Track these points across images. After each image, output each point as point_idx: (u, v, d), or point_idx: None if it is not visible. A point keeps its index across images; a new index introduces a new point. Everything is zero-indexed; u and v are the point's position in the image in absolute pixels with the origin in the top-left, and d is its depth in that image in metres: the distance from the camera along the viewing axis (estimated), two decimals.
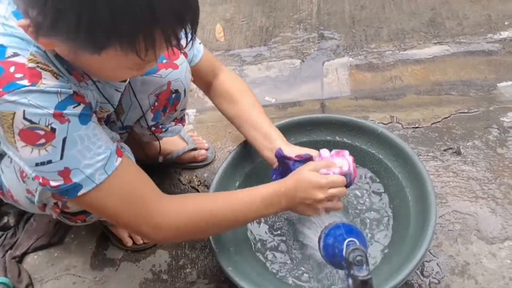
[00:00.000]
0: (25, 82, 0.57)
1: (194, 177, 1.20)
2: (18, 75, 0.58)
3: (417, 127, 1.18)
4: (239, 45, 1.67)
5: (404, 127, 1.19)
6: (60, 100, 0.59)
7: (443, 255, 0.91)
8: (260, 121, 0.93)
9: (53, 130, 0.59)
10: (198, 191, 1.17)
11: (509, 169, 1.02)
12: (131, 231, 0.99)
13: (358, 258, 0.69)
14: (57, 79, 0.60)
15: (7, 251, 1.08)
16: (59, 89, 0.59)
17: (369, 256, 0.81)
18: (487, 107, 1.19)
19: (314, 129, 1.06)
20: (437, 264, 0.90)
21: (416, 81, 1.36)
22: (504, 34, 1.42)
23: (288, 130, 1.01)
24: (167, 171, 1.22)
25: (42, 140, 0.59)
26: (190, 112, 1.46)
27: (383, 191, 0.98)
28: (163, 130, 1.02)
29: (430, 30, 1.51)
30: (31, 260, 1.08)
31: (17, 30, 0.59)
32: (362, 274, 0.69)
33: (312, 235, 0.84)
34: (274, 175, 0.89)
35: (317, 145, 1.05)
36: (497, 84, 1.27)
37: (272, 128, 0.93)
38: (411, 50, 1.46)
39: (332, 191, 0.78)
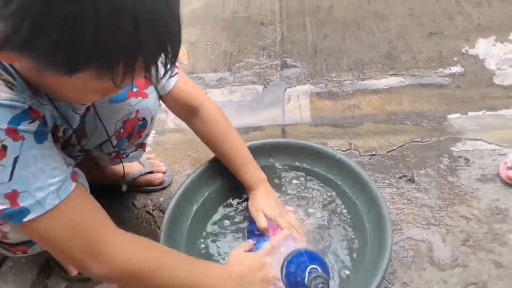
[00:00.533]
0: None
1: (149, 201, 1.16)
2: None
3: (374, 155, 1.21)
4: (203, 68, 1.67)
5: (362, 154, 1.22)
6: (13, 114, 0.54)
7: (398, 282, 0.92)
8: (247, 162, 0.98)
9: (4, 147, 0.53)
10: (152, 216, 1.13)
11: (459, 197, 1.06)
12: (75, 265, 0.84)
13: (320, 285, 0.69)
14: (11, 89, 0.54)
15: None
16: (13, 103, 0.53)
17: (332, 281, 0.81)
18: (438, 137, 1.24)
19: (274, 153, 1.07)
20: None
21: (373, 110, 1.41)
22: (454, 69, 1.51)
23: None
24: (120, 194, 1.17)
25: None
26: (150, 133, 1.43)
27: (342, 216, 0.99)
28: (124, 156, 0.99)
29: (387, 62, 1.58)
30: (6, 269, 0.99)
31: None
32: None
33: (275, 264, 0.83)
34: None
35: (276, 170, 1.06)
36: (447, 116, 1.34)
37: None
38: (369, 80, 1.52)
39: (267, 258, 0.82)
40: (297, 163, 1.06)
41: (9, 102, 0.53)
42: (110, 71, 0.50)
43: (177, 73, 0.91)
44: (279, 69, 1.62)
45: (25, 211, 0.57)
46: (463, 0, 1.80)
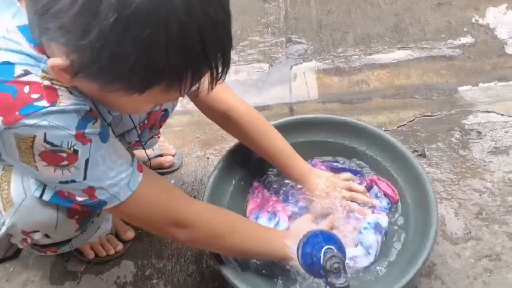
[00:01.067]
0: (43, 103, 0.53)
1: None
2: (34, 96, 0.53)
3: (384, 130, 1.19)
4: None
5: None
6: (79, 118, 0.56)
7: None
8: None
9: (75, 152, 0.57)
10: None
11: (471, 170, 1.05)
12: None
13: (336, 265, 0.69)
14: (72, 94, 0.56)
15: None
16: (77, 107, 0.56)
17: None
18: (449, 110, 1.22)
19: (311, 129, 1.05)
20: None
21: (381, 85, 1.39)
22: (463, 40, 1.48)
23: (285, 130, 0.99)
24: None
25: (65, 162, 0.57)
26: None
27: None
28: (143, 143, 1.01)
29: (394, 35, 1.55)
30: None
31: (22, 46, 0.54)
32: (339, 282, 0.68)
33: (293, 245, 0.83)
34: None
35: (314, 146, 1.05)
36: (458, 88, 1.31)
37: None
38: (377, 54, 1.49)
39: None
40: (337, 140, 1.04)
41: (74, 107, 0.55)
42: (179, 82, 0.52)
43: None
44: (284, 46, 1.59)
45: (102, 202, 0.63)
46: None
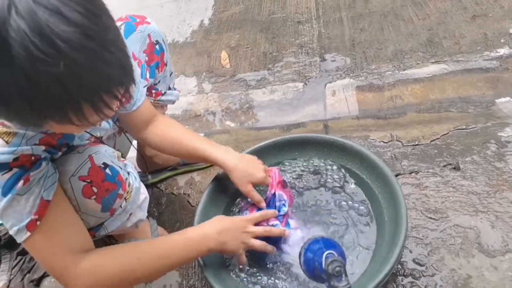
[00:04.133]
0: None
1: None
2: None
3: (416, 145, 1.21)
4: (244, 70, 1.74)
5: (404, 144, 1.22)
6: None
7: (446, 269, 0.92)
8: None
9: None
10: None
11: (508, 183, 1.04)
12: None
13: (337, 269, 0.72)
14: (7, 142, 0.66)
15: (25, 274, 1.13)
16: None
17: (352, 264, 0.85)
18: (484, 122, 1.22)
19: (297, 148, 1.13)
20: (440, 278, 0.91)
21: (416, 100, 1.40)
22: (501, 51, 1.46)
23: (274, 149, 1.12)
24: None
25: None
26: None
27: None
28: (163, 92, 1.14)
29: (428, 49, 1.56)
30: (48, 284, 1.13)
31: None
32: (341, 284, 0.71)
33: (294, 252, 0.88)
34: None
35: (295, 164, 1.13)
36: (495, 100, 1.30)
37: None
38: (410, 69, 1.51)
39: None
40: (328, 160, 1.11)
41: None
42: (65, 120, 0.56)
43: (145, 86, 1.02)
44: (318, 65, 1.65)
45: (16, 235, 0.71)
46: None
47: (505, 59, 1.43)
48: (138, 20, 1.03)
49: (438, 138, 1.21)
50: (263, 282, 0.92)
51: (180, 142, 1.01)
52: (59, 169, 0.76)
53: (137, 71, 0.96)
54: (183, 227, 1.19)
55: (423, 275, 0.93)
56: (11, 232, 0.71)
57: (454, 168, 1.11)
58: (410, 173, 1.13)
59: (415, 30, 1.65)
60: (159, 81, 1.12)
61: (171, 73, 1.17)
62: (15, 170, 0.67)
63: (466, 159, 1.12)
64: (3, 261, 1.14)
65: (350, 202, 1.02)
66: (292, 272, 0.92)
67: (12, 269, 1.13)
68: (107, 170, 0.82)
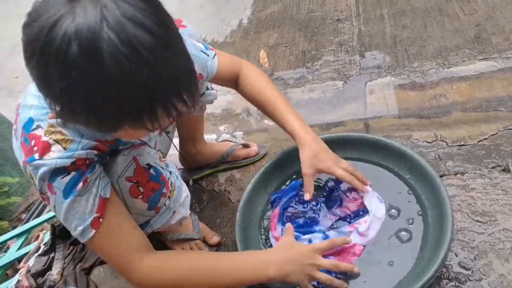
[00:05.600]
0: (36, 155, 0.70)
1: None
2: (34, 149, 0.71)
3: (462, 145, 1.17)
4: (283, 69, 1.75)
5: (449, 145, 1.19)
6: (52, 172, 0.70)
7: (494, 274, 0.89)
8: (287, 118, 0.99)
9: (48, 198, 0.74)
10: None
11: None
12: None
13: None
14: (65, 148, 0.71)
15: (77, 263, 1.20)
16: (57, 161, 0.70)
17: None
18: None
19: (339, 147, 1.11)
20: (488, 283, 0.88)
21: (461, 98, 1.35)
22: None
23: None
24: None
25: (46, 202, 0.76)
26: (238, 134, 1.55)
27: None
28: (201, 93, 1.14)
29: (475, 46, 1.50)
30: (97, 273, 1.19)
31: (44, 101, 0.67)
32: None
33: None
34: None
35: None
36: None
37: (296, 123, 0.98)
38: (456, 67, 1.46)
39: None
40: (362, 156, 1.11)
41: (54, 161, 0.70)
42: (139, 124, 0.61)
43: (215, 54, 1.01)
44: (358, 63, 1.63)
45: (82, 235, 0.76)
46: None
47: None
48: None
49: (486, 139, 1.16)
50: None
51: (264, 103, 1.01)
52: (106, 172, 0.80)
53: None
54: (223, 223, 1.21)
55: (469, 280, 0.90)
56: (75, 233, 0.75)
57: (504, 170, 1.06)
58: (456, 174, 1.10)
59: (461, 26, 1.59)
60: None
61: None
62: (73, 173, 0.72)
63: None
64: (57, 250, 1.21)
65: (394, 202, 1.01)
66: None
67: (65, 257, 1.20)
68: (151, 171, 0.86)
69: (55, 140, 0.71)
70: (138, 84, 0.56)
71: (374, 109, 1.44)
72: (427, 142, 1.22)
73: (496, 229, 0.96)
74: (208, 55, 0.98)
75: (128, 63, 0.54)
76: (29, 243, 1.35)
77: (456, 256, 0.94)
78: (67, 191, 0.72)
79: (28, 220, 1.50)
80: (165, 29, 0.58)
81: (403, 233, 0.95)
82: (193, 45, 0.96)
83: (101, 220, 0.75)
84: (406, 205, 0.99)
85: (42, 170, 0.70)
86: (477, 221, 0.98)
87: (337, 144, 1.09)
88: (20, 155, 0.74)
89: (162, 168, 0.90)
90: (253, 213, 1.07)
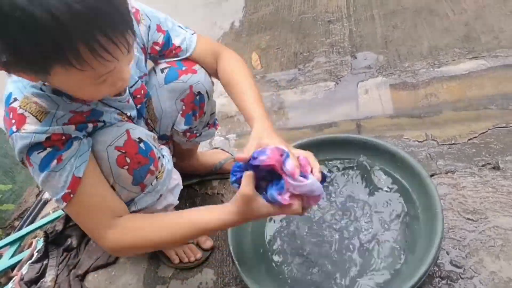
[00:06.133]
0: (14, 128, 0.73)
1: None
2: (12, 121, 0.74)
3: (453, 144, 1.18)
4: (275, 71, 1.76)
5: (440, 144, 1.19)
6: (30, 145, 0.73)
7: (485, 272, 0.90)
8: (248, 101, 0.93)
9: (28, 167, 0.78)
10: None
11: None
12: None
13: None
14: (40, 121, 0.73)
15: (71, 270, 1.20)
16: (33, 135, 0.73)
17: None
18: None
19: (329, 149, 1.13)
20: (479, 281, 0.89)
21: (452, 97, 1.36)
22: None
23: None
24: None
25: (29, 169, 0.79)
26: (231, 137, 1.55)
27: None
28: (198, 134, 1.15)
29: (464, 45, 1.51)
30: (92, 279, 1.19)
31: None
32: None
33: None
34: (236, 175, 0.80)
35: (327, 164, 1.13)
36: None
37: (258, 109, 0.90)
38: (446, 66, 1.47)
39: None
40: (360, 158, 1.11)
41: (30, 134, 0.73)
42: (65, 62, 0.61)
43: (194, 33, 1.03)
44: (349, 64, 1.64)
45: (57, 203, 0.81)
46: None
47: None
48: (184, 68, 1.02)
49: (476, 137, 1.17)
50: (296, 274, 0.93)
51: (233, 85, 0.98)
52: (98, 138, 0.82)
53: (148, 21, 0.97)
54: None
55: (461, 277, 0.91)
56: (53, 200, 0.82)
57: (494, 168, 1.07)
58: (447, 172, 1.11)
59: (451, 25, 1.61)
60: (195, 126, 1.12)
61: (212, 113, 1.16)
62: (48, 149, 0.75)
63: (506, 158, 1.09)
64: (50, 257, 1.21)
65: (384, 202, 1.01)
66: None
67: (59, 264, 1.19)
68: (141, 145, 0.87)
69: (29, 112, 0.73)
70: (50, 15, 0.56)
71: (366, 109, 1.45)
72: (418, 141, 1.23)
73: (487, 227, 0.97)
74: (186, 31, 1.02)
75: None
76: (22, 251, 1.35)
77: (448, 254, 0.94)
78: (42, 166, 0.75)
79: (21, 228, 1.49)
80: None
81: (395, 231, 0.95)
82: (170, 21, 1.01)
83: (71, 195, 0.78)
84: (397, 204, 1.00)
85: (20, 143, 0.73)
86: (468, 219, 0.99)
87: (326, 145, 1.09)
88: (6, 130, 0.78)
89: (154, 146, 0.90)
90: None
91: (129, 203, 0.91)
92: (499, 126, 1.18)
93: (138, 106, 0.97)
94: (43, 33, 0.57)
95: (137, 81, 0.96)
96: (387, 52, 1.62)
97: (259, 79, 1.75)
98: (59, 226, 1.26)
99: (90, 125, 0.82)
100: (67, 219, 1.28)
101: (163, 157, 0.94)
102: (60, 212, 1.37)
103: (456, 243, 0.96)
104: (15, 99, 0.74)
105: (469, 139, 1.17)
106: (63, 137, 0.76)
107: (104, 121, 0.85)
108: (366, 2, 1.89)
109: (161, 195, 0.95)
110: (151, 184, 0.91)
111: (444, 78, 1.43)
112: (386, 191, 1.03)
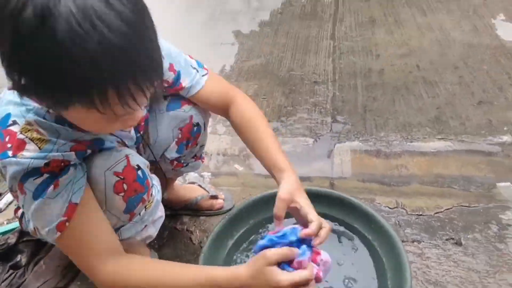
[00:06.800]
0: (10, 153, 0.69)
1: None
2: (8, 145, 0.69)
3: (420, 215, 1.24)
4: None
5: (409, 213, 1.25)
6: (25, 172, 0.69)
7: None
8: (273, 149, 0.94)
9: (17, 197, 0.73)
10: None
11: (508, 265, 1.07)
12: None
13: None
14: (40, 148, 0.69)
15: None
16: (31, 161, 0.68)
17: None
18: (486, 203, 1.26)
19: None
20: None
21: (420, 172, 1.45)
22: (504, 138, 1.54)
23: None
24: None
25: (16, 200, 0.75)
26: (205, 175, 1.55)
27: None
28: (184, 165, 1.14)
29: (435, 126, 1.64)
30: None
31: (27, 99, 0.69)
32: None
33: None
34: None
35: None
36: (496, 184, 1.36)
37: (282, 163, 0.92)
38: (417, 142, 1.58)
39: None
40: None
41: (27, 161, 0.69)
42: (89, 103, 0.59)
43: (206, 73, 1.01)
44: (329, 125, 1.72)
45: (48, 235, 0.75)
46: None
47: (507, 146, 1.51)
48: (187, 98, 1.03)
49: (441, 212, 1.24)
50: None
51: (254, 135, 0.96)
52: (96, 162, 0.79)
53: (181, 63, 0.97)
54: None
55: None
56: (42, 232, 0.75)
57: (456, 243, 1.13)
58: (413, 241, 1.16)
59: (424, 106, 1.75)
60: (184, 155, 1.12)
61: (202, 145, 1.17)
62: (45, 175, 0.71)
63: (468, 236, 1.15)
64: None
65: (354, 259, 1.03)
66: None
67: (2, 282, 1.09)
68: (139, 172, 0.85)
69: (30, 139, 0.69)
70: (87, 54, 0.54)
71: (340, 169, 1.51)
72: (389, 207, 1.28)
73: None
74: (197, 71, 1.00)
75: (79, 29, 0.53)
76: None
77: None
78: (38, 193, 0.71)
79: None
80: (134, 14, 0.57)
81: None
82: (183, 59, 0.99)
83: (67, 224, 0.74)
84: (367, 267, 1.02)
85: (14, 169, 0.69)
86: None
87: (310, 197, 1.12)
88: None
89: (148, 175, 0.89)
90: (217, 259, 1.05)
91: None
92: (462, 205, 1.26)
93: (139, 134, 0.97)
94: (76, 69, 0.55)
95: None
96: (365, 120, 1.72)
97: None
98: (12, 239, 1.17)
99: (89, 151, 0.80)
100: (21, 233, 1.20)
101: (152, 186, 0.93)
102: (15, 225, 1.27)
103: None
104: (14, 122, 0.70)
105: (435, 213, 1.24)
106: (62, 164, 0.73)
107: (103, 149, 0.83)
108: (351, 71, 2.03)
109: (145, 226, 0.92)
110: (139, 213, 0.89)
111: (414, 153, 1.53)
112: (355, 250, 1.05)
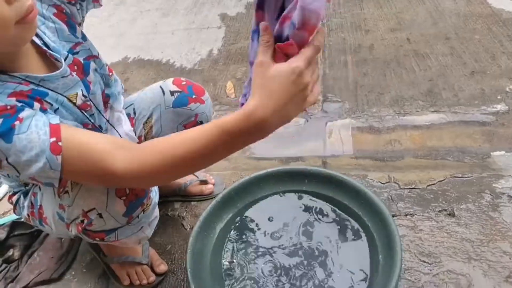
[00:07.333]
0: None
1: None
2: None
3: (413, 188, 1.23)
4: None
5: (401, 187, 1.24)
6: None
7: None
8: None
9: None
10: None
11: (501, 233, 1.05)
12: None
13: None
14: None
15: (8, 283, 1.10)
16: None
17: None
18: (480, 173, 1.25)
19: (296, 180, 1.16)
20: None
21: (414, 145, 1.43)
22: (497, 107, 1.52)
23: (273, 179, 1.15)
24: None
25: None
26: None
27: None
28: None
29: (427, 99, 1.62)
30: None
31: None
32: None
33: None
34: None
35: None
36: (491, 153, 1.34)
37: None
38: (410, 116, 1.56)
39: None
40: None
41: None
42: None
43: None
44: (320, 103, 1.70)
45: (50, 171, 0.66)
46: (506, 41, 1.82)
47: (501, 115, 1.48)
48: (194, 96, 1.07)
49: (434, 184, 1.23)
50: None
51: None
52: None
53: None
54: (174, 249, 1.17)
55: None
56: (41, 176, 0.66)
57: (449, 214, 1.12)
58: (406, 215, 1.14)
59: (416, 79, 1.72)
60: None
61: None
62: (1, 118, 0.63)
63: (461, 207, 1.14)
64: None
65: (344, 236, 1.02)
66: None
67: None
68: None
69: None
70: None
71: (333, 148, 1.49)
72: (381, 183, 1.27)
73: (441, 271, 1.00)
74: None
75: None
76: None
77: None
78: (7, 137, 0.62)
79: None
80: None
81: (353, 269, 0.96)
82: None
83: (60, 143, 0.65)
84: (358, 242, 1.01)
85: None
86: (424, 261, 1.02)
87: (295, 176, 1.11)
88: None
89: None
90: (207, 240, 1.04)
91: (110, 232, 0.87)
92: (455, 176, 1.25)
93: (83, 81, 0.83)
94: None
95: (67, 55, 0.81)
96: (357, 97, 1.69)
97: (232, 108, 1.76)
98: (3, 234, 1.17)
99: (37, 104, 0.70)
100: (12, 227, 1.19)
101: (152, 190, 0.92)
102: (5, 219, 1.27)
103: (411, 284, 0.98)
104: None
105: (428, 185, 1.23)
106: (8, 107, 0.65)
107: (52, 104, 0.74)
108: (341, 47, 1.99)
109: (141, 227, 0.92)
110: (137, 216, 0.88)
111: (407, 127, 1.51)
112: (351, 228, 1.04)
